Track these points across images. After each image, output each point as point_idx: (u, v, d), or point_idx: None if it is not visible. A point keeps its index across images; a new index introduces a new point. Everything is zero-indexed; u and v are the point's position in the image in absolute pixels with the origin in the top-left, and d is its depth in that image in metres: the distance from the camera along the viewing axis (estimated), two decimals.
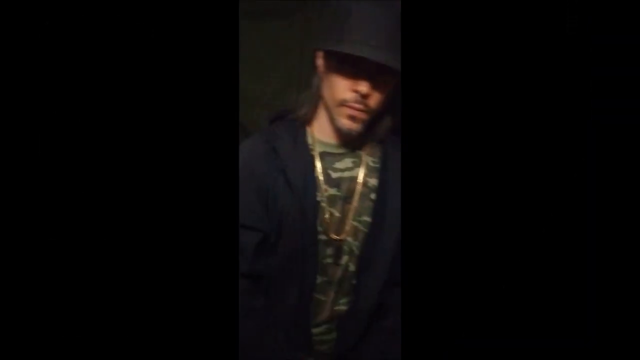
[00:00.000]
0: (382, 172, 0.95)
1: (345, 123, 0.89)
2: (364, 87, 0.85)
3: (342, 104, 0.88)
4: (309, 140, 0.95)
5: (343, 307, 0.95)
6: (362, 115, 0.89)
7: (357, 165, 0.95)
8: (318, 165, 0.93)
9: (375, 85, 0.87)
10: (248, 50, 1.35)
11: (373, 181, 0.95)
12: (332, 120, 0.92)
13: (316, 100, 0.94)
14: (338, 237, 0.92)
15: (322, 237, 0.92)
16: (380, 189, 0.94)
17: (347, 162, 0.95)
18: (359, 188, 0.94)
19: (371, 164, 0.96)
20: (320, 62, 0.92)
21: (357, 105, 0.87)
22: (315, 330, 0.95)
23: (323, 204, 0.92)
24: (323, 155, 0.94)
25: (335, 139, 0.95)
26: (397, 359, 0.87)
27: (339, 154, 0.95)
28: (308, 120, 0.97)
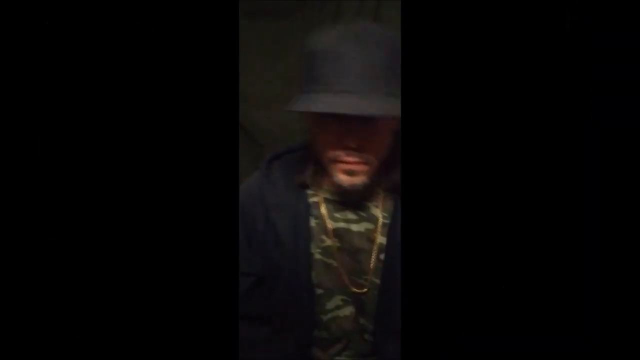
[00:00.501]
0: (392, 228, 0.82)
1: (344, 179, 0.77)
2: (351, 141, 0.74)
3: (335, 161, 0.77)
4: (314, 189, 0.85)
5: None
6: (362, 168, 0.77)
7: (363, 219, 0.84)
8: (321, 211, 0.84)
9: (368, 134, 0.75)
10: (248, 50, 1.35)
11: (381, 238, 0.83)
12: (331, 175, 0.80)
13: (314, 160, 0.83)
14: (359, 291, 0.82)
15: (320, 291, 0.84)
16: (388, 249, 0.82)
17: (352, 213, 0.84)
18: (366, 245, 0.83)
19: (382, 219, 0.83)
20: (305, 120, 0.82)
21: (351, 160, 0.76)
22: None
23: (320, 258, 0.83)
24: (324, 202, 0.84)
25: (337, 191, 0.84)
26: None
27: (343, 203, 0.84)
28: (316, 181, 0.86)
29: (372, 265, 0.82)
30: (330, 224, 0.83)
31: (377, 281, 0.82)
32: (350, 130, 0.74)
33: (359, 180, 0.77)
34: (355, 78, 0.71)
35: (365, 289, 0.82)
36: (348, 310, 0.85)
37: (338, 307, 0.85)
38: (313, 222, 0.84)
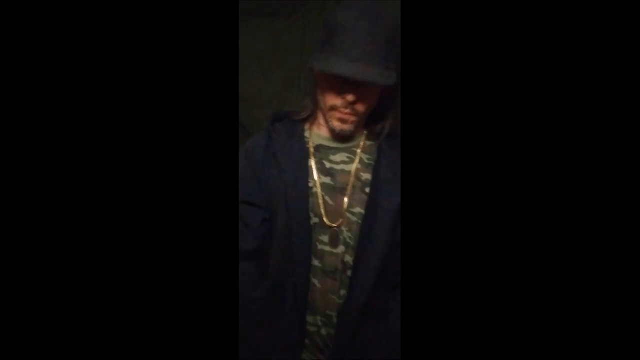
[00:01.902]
0: (376, 168, 1.02)
1: (337, 125, 0.99)
2: (350, 96, 0.94)
3: (333, 109, 0.98)
4: (307, 135, 1.04)
5: (338, 301, 0.97)
6: (352, 118, 0.98)
7: (351, 160, 1.02)
8: (312, 155, 1.02)
9: (362, 94, 0.95)
10: (248, 50, 1.35)
11: (367, 176, 1.01)
12: (326, 121, 1.01)
13: (314, 104, 1.03)
14: (333, 225, 0.98)
15: (316, 220, 0.98)
16: (374, 184, 1.00)
17: (342, 156, 1.03)
18: (352, 180, 1.00)
19: (366, 160, 1.03)
20: (313, 71, 1.00)
21: (345, 111, 0.97)
22: (310, 319, 0.99)
23: (316, 191, 0.99)
24: (318, 148, 1.03)
25: (331, 136, 1.04)
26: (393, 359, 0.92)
27: (335, 148, 1.03)
28: (307, 120, 1.06)
29: (353, 199, 1.00)
30: (325, 164, 1.02)
31: (362, 211, 0.99)
32: (352, 88, 0.94)
33: (347, 127, 0.99)
34: (362, 49, 0.90)
35: (340, 222, 0.99)
36: (339, 249, 0.99)
37: (329, 244, 1.00)
38: (312, 162, 1.01)
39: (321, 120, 1.03)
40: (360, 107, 0.96)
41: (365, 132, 1.04)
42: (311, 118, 1.05)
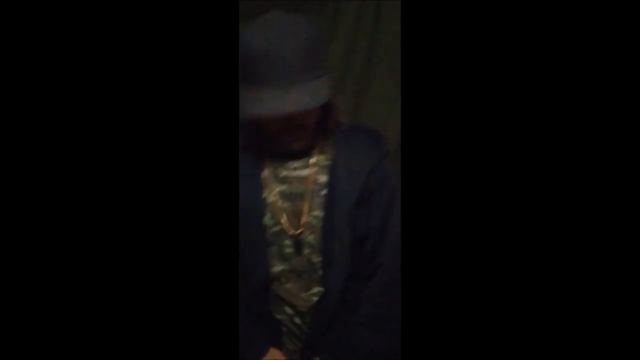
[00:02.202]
0: (332, 167, 0.99)
1: (292, 146, 0.95)
2: (294, 121, 0.89)
3: (280, 133, 0.93)
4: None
5: (313, 298, 0.99)
6: (303, 136, 0.94)
7: (306, 164, 1.00)
8: (267, 165, 0.99)
9: (304, 115, 0.89)
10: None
11: (323, 178, 0.99)
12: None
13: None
14: (295, 232, 0.98)
15: (276, 228, 0.98)
16: (330, 184, 0.98)
17: (296, 163, 1.00)
18: (309, 185, 0.99)
19: (322, 162, 1.00)
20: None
21: (294, 136, 0.93)
22: (279, 310, 1.01)
23: (272, 200, 0.98)
24: (274, 156, 0.99)
25: (287, 151, 1.00)
26: (367, 353, 0.96)
27: (290, 155, 1.00)
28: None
29: (310, 205, 0.98)
30: (281, 172, 0.99)
31: (321, 214, 0.98)
32: (289, 119, 0.88)
33: (302, 144, 0.96)
34: (287, 70, 0.84)
35: (300, 230, 0.98)
36: (305, 251, 0.99)
37: (290, 251, 1.00)
38: (266, 172, 0.99)
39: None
40: (307, 123, 0.92)
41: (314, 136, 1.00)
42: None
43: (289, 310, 1.01)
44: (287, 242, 0.99)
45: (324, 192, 0.99)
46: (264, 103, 0.85)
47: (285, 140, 0.94)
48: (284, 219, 0.98)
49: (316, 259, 0.99)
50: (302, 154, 1.00)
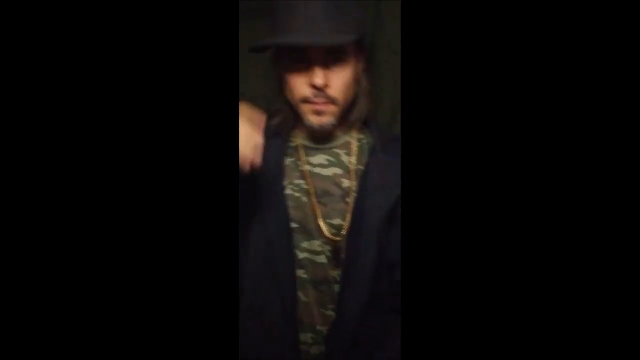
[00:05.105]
0: (364, 175, 0.90)
1: (313, 120, 0.87)
2: (318, 78, 0.83)
3: (304, 101, 0.87)
4: (291, 136, 0.95)
5: (329, 313, 0.89)
6: (329, 108, 0.86)
7: (331, 164, 0.92)
8: (289, 155, 0.92)
9: (331, 73, 0.85)
10: (248, 50, 1.35)
11: (347, 183, 0.91)
12: (303, 120, 0.90)
13: (287, 104, 0.92)
14: (335, 238, 0.87)
15: (295, 225, 0.89)
16: (360, 193, 0.89)
17: (320, 158, 0.92)
18: (330, 187, 0.90)
19: (348, 164, 0.92)
20: (275, 64, 0.91)
21: (318, 100, 0.85)
22: (301, 337, 0.90)
23: (291, 192, 0.90)
24: (297, 148, 0.93)
25: (311, 135, 0.93)
26: None
27: (314, 149, 0.93)
28: (288, 126, 0.94)
29: (331, 208, 0.89)
30: (304, 166, 0.91)
31: (341, 222, 0.88)
32: (316, 68, 0.83)
33: (327, 119, 0.86)
34: (313, 21, 0.81)
35: (339, 238, 0.88)
36: (323, 257, 0.90)
37: (315, 252, 0.90)
38: (288, 161, 0.91)
39: (298, 112, 0.91)
40: (333, 92, 0.85)
41: (354, 132, 0.93)
42: (290, 121, 0.93)
43: (308, 337, 0.89)
44: (305, 243, 0.89)
45: (347, 198, 0.89)
46: (297, 36, 0.81)
47: (312, 113, 0.86)
48: (316, 218, 0.87)
49: (332, 271, 0.89)
50: (325, 147, 0.91)
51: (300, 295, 0.90)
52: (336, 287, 0.89)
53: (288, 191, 0.90)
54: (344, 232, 0.89)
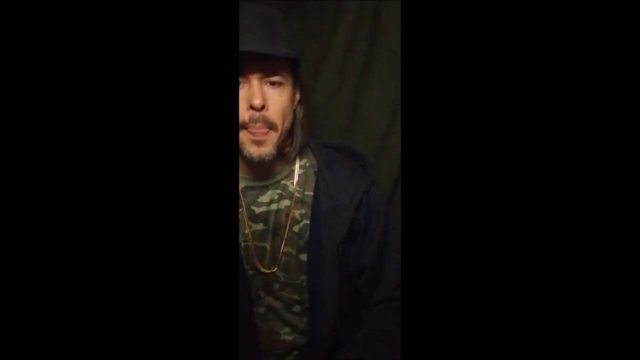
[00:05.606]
0: (314, 200, 0.91)
1: (253, 151, 0.85)
2: (256, 99, 0.82)
3: (243, 128, 0.85)
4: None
5: (301, 340, 0.94)
6: (268, 137, 0.85)
7: (281, 197, 0.93)
8: (245, 199, 0.91)
9: (267, 96, 0.84)
10: None
11: (299, 212, 0.92)
12: (242, 153, 0.87)
13: None
14: (267, 271, 0.91)
15: (251, 272, 0.92)
16: (313, 219, 0.90)
17: (271, 194, 0.93)
18: (285, 220, 0.92)
19: (297, 194, 0.93)
20: None
21: (258, 126, 0.84)
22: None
23: (246, 242, 0.90)
24: (245, 191, 0.92)
25: (253, 172, 0.92)
26: None
27: (260, 187, 0.93)
28: None
29: (289, 239, 0.91)
30: (254, 210, 0.91)
31: (293, 252, 0.91)
32: (254, 89, 0.82)
33: (266, 150, 0.85)
34: (248, 30, 0.81)
35: (275, 269, 0.91)
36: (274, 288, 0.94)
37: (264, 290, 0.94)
38: (241, 210, 0.91)
39: (240, 158, 0.89)
40: (271, 115, 0.84)
41: (297, 160, 0.94)
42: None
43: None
44: (260, 284, 0.92)
45: (296, 228, 0.91)
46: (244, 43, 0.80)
47: (250, 142, 0.84)
48: (256, 259, 0.90)
49: (287, 297, 0.93)
50: (272, 182, 0.91)
51: (262, 325, 0.94)
52: (298, 310, 0.93)
53: (244, 242, 0.91)
54: (292, 261, 0.92)
